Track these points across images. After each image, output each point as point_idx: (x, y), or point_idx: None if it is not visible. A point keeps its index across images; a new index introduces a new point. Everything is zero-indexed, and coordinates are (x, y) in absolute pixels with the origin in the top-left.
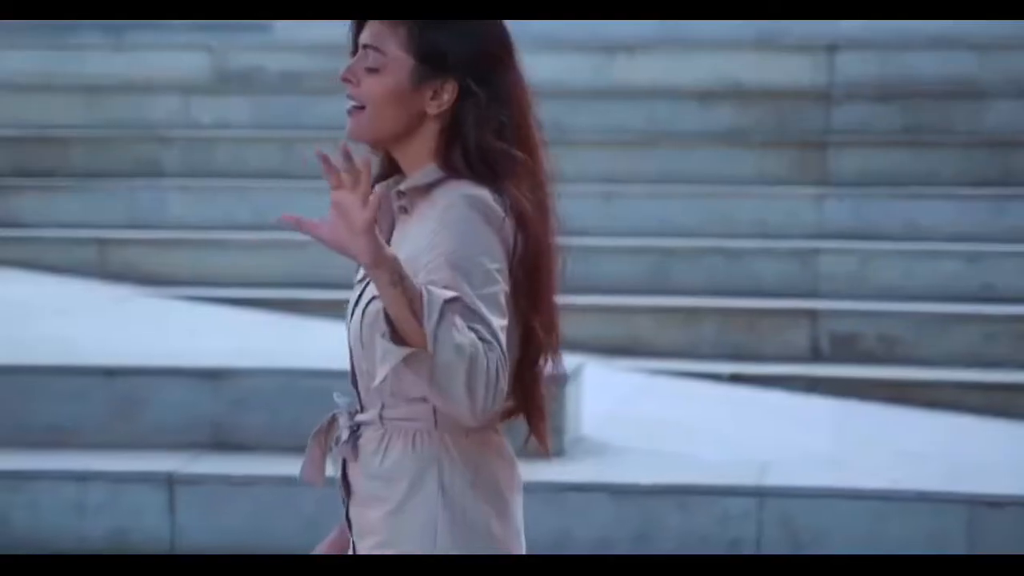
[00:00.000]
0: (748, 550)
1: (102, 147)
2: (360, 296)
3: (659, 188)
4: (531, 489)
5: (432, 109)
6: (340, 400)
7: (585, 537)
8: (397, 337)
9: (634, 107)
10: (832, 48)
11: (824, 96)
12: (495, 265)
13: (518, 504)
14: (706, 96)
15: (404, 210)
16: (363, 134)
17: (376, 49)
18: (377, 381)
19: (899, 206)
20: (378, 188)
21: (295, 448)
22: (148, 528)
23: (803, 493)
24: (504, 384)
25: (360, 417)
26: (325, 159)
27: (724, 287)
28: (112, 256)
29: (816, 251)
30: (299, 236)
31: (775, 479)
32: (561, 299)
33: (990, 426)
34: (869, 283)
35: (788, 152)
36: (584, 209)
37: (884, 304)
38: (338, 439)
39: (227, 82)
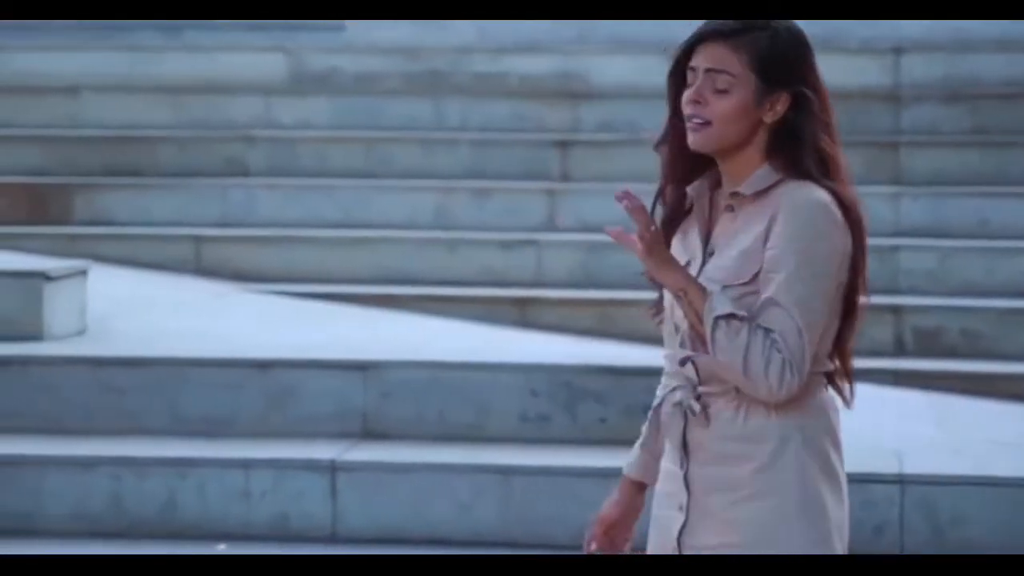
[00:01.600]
0: (892, 536)
1: (189, 147)
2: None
3: None
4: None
5: (768, 118)
6: (665, 389)
7: None
8: (696, 339)
9: None
10: (898, 50)
11: (892, 97)
12: (830, 268)
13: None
14: None
15: (730, 209)
16: (708, 146)
17: (723, 72)
18: (681, 367)
19: (972, 204)
20: (690, 190)
21: (442, 437)
22: (311, 514)
23: (943, 481)
24: (791, 378)
25: (705, 388)
26: (627, 195)
27: None
28: (208, 253)
29: (895, 248)
30: (384, 233)
31: (914, 467)
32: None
33: None
34: (948, 279)
35: (862, 151)
36: None
37: (965, 300)
38: (686, 407)
39: (305, 83)
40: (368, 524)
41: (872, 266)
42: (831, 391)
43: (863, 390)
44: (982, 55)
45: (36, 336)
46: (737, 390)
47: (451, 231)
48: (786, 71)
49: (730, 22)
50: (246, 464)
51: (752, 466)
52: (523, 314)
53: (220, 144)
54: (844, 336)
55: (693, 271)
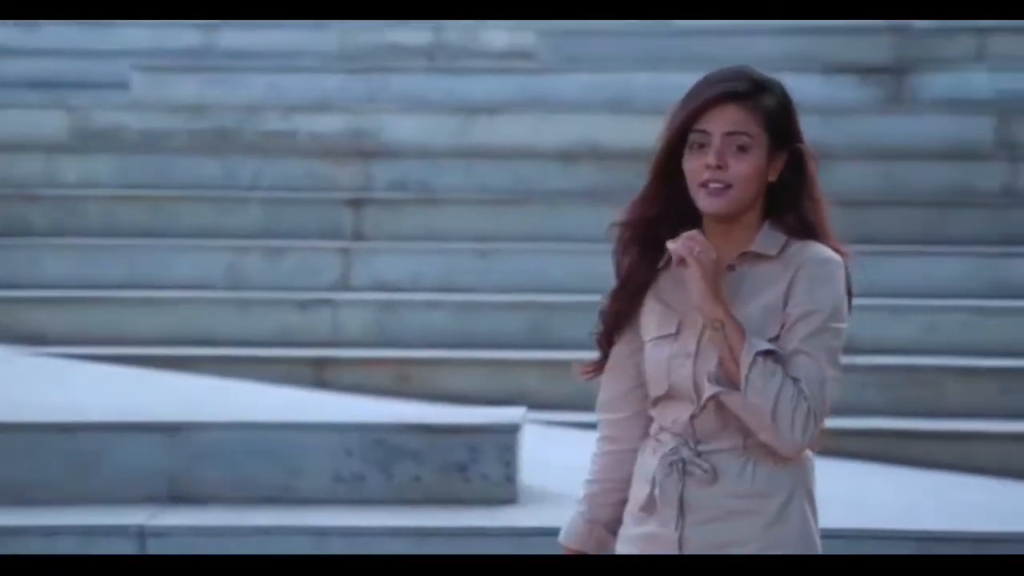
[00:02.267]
0: None
1: None
2: (699, 345)
3: (532, 245)
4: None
5: (773, 177)
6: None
7: None
8: (722, 376)
9: (498, 167)
10: None
11: None
12: (846, 324)
13: None
14: (567, 157)
15: (731, 267)
16: (729, 210)
17: (744, 133)
18: (697, 409)
19: None
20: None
21: (254, 500)
22: None
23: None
24: (815, 430)
25: (708, 446)
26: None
27: None
28: None
29: None
30: (174, 293)
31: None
32: None
33: None
34: None
35: None
36: (461, 265)
37: None
38: (685, 466)
39: (88, 140)
40: None
41: None
42: None
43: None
44: None
45: None
46: (744, 445)
47: (244, 291)
48: (788, 130)
49: (739, 83)
50: (50, 531)
51: (762, 521)
52: (320, 374)
53: (1, 203)
54: None
55: (690, 332)
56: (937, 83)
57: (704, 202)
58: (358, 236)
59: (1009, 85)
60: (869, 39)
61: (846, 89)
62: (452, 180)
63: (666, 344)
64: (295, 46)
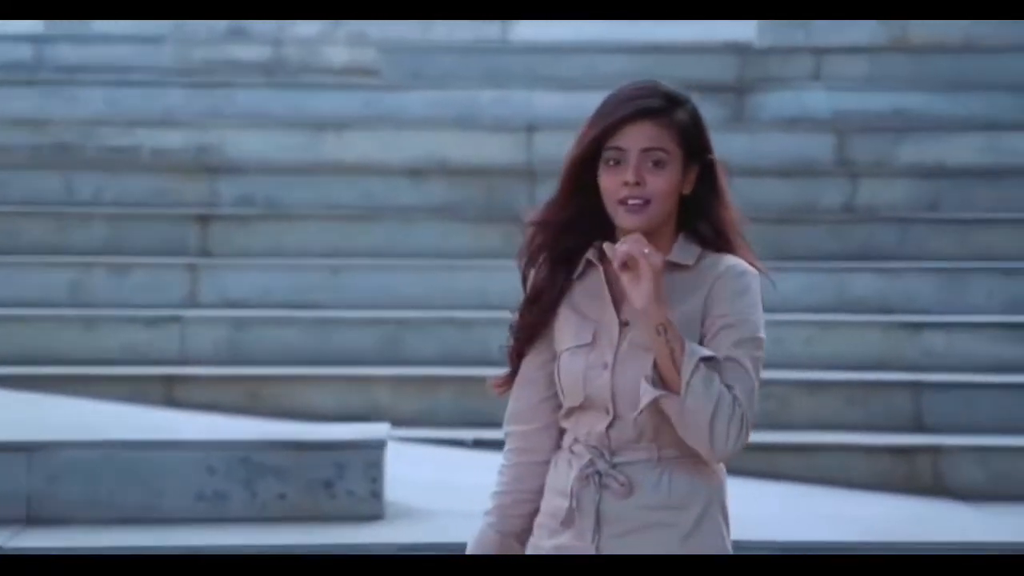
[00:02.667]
0: None
1: None
2: (616, 355)
3: (383, 261)
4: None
5: (687, 190)
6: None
7: None
8: (659, 380)
9: (347, 183)
10: (531, 128)
11: (527, 173)
12: (764, 336)
13: None
14: (415, 173)
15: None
16: (650, 224)
17: (660, 149)
18: (634, 415)
19: None
20: (589, 255)
21: (114, 520)
22: None
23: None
24: (745, 438)
25: (623, 458)
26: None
27: (457, 356)
28: None
29: None
30: (16, 311)
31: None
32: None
33: None
34: None
35: (501, 226)
36: (312, 282)
37: None
38: (601, 478)
39: None
40: None
41: None
42: None
43: None
44: None
45: None
46: (659, 457)
47: (89, 308)
48: (700, 144)
49: (653, 100)
50: None
51: (678, 533)
52: (170, 392)
53: None
54: None
55: (607, 342)
56: (776, 102)
57: (623, 219)
58: (205, 252)
59: (845, 104)
60: (710, 58)
61: None
62: (300, 196)
63: (582, 354)
64: (128, 60)
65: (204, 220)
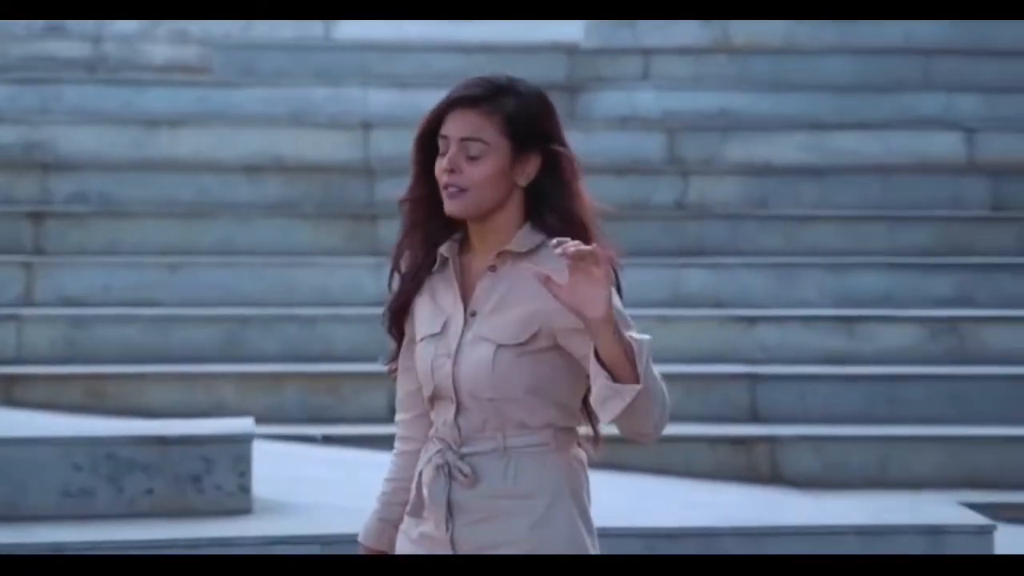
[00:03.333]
0: None
1: None
2: (460, 345)
3: (222, 259)
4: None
5: (522, 181)
6: (401, 456)
7: None
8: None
9: (182, 179)
10: (367, 126)
11: (365, 171)
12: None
13: None
14: (252, 170)
15: (492, 269)
16: (467, 213)
17: (477, 139)
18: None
19: None
20: (443, 250)
21: None
22: None
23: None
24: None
25: (470, 448)
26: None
27: (301, 353)
28: None
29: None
30: None
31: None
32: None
33: None
34: None
35: (340, 223)
36: (152, 279)
37: None
38: (450, 469)
39: None
40: None
41: (360, 335)
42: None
43: (357, 455)
44: None
45: None
46: (505, 446)
47: None
48: (536, 133)
49: (477, 88)
50: None
51: (527, 522)
52: (9, 392)
53: None
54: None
55: (453, 331)
56: (607, 101)
57: (446, 205)
58: (39, 250)
59: (673, 104)
60: (541, 57)
61: None
62: (135, 193)
63: (432, 343)
64: None
65: (37, 217)
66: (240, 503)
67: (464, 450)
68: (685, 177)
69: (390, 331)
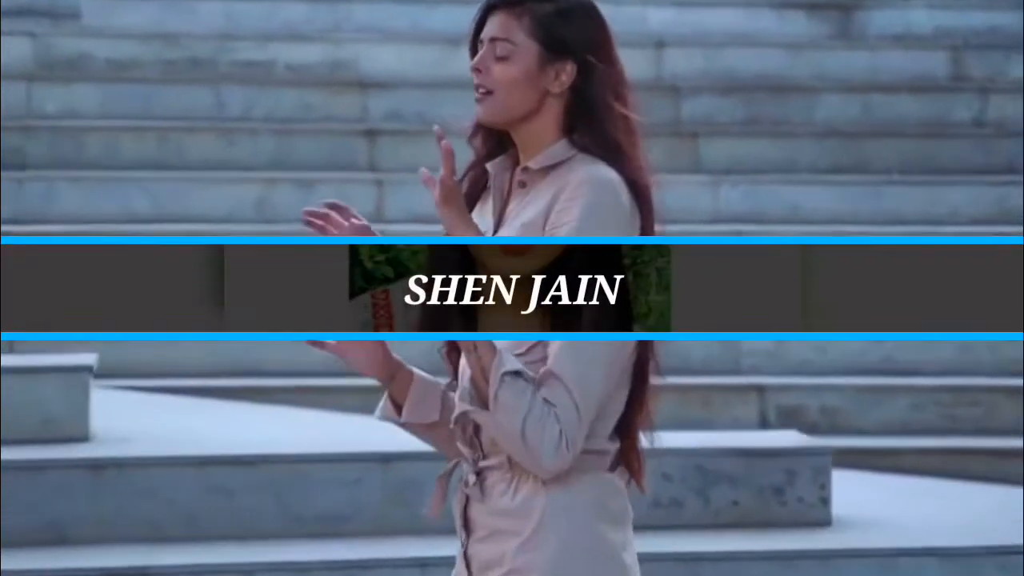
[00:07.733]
0: None
1: None
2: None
3: None
4: None
5: (555, 88)
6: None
7: None
8: (475, 394)
9: None
10: (659, 44)
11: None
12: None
13: (632, 535)
14: None
15: (522, 185)
16: (494, 117)
17: (505, 40)
18: (469, 431)
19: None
20: (489, 167)
21: None
22: None
23: None
24: (569, 444)
25: (485, 463)
26: (443, 135)
27: None
28: None
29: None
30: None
31: None
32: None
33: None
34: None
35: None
36: None
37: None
38: (465, 482)
39: (56, 69)
40: None
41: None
42: (617, 473)
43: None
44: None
45: (82, 437)
46: (510, 462)
47: (275, 224)
48: (570, 39)
49: None
50: (364, 565)
51: (516, 543)
52: None
53: None
54: (632, 412)
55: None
56: (882, 19)
57: (476, 111)
58: (373, 167)
59: (945, 21)
60: None
61: (797, 24)
62: (448, 111)
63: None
64: None
65: (371, 135)
66: (820, 515)
67: (482, 464)
68: (983, 95)
69: None
